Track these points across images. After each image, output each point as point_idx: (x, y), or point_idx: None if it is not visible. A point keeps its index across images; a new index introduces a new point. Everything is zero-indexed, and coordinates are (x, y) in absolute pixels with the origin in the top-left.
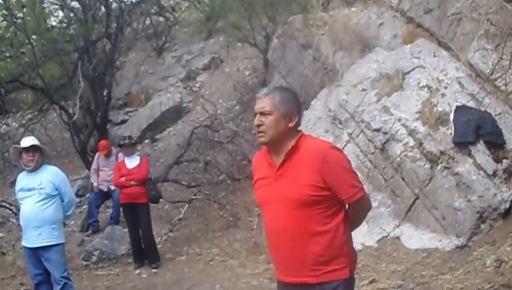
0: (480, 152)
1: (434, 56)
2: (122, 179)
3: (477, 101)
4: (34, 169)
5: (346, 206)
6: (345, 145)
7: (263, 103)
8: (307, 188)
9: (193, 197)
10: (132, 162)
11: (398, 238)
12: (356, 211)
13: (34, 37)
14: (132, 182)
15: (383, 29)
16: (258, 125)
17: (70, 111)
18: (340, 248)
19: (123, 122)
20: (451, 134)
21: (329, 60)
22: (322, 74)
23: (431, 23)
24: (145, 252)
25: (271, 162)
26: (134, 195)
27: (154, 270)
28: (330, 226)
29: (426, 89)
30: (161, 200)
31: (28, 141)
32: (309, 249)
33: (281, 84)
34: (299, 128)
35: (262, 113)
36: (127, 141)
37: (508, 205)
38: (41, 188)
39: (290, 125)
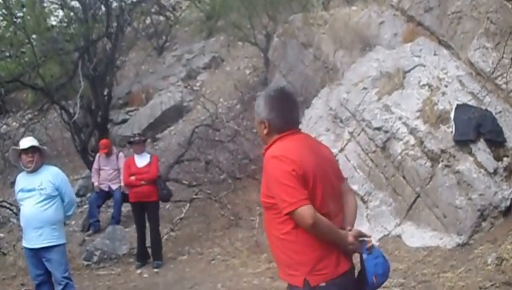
0: (481, 150)
1: (434, 55)
2: (132, 177)
3: (477, 99)
4: (34, 170)
5: None
6: (346, 144)
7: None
8: (261, 194)
9: (194, 196)
10: (142, 161)
11: (399, 236)
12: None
13: (34, 36)
14: (143, 182)
15: (383, 27)
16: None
17: (71, 111)
18: (291, 256)
19: (124, 121)
20: (452, 132)
21: (330, 58)
22: (322, 73)
23: (431, 22)
24: (151, 250)
25: None
26: (144, 194)
27: (155, 270)
28: (282, 233)
29: (427, 87)
30: None
31: (26, 142)
32: (273, 249)
33: (281, 83)
34: (295, 127)
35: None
36: (136, 138)
37: (508, 203)
38: (41, 189)
39: (265, 132)
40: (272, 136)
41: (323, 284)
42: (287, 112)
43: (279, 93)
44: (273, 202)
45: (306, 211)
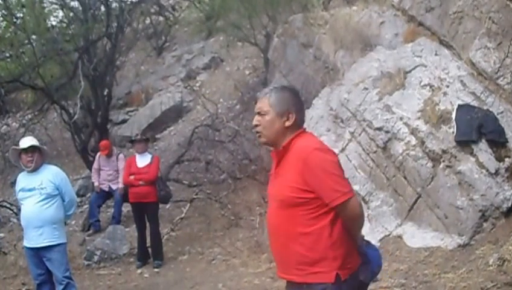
0: (483, 151)
1: (436, 55)
2: (131, 177)
3: (479, 99)
4: (34, 169)
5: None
6: (347, 144)
7: (261, 103)
8: (290, 190)
9: (194, 196)
10: (143, 161)
11: (400, 237)
12: (343, 217)
13: (34, 36)
14: (141, 182)
15: (384, 27)
16: (256, 125)
17: (71, 111)
18: (325, 251)
19: (123, 121)
20: (453, 133)
21: (330, 58)
22: (323, 73)
23: (432, 22)
24: (151, 250)
25: (275, 160)
26: (143, 194)
27: (156, 269)
28: (314, 229)
29: (428, 87)
30: None
31: (26, 142)
32: (293, 249)
33: (281, 83)
34: (304, 126)
35: (259, 113)
36: (138, 137)
37: (510, 204)
38: (42, 188)
39: (287, 124)
40: (293, 130)
41: (349, 277)
42: (304, 109)
43: (295, 90)
44: (309, 196)
45: (356, 201)
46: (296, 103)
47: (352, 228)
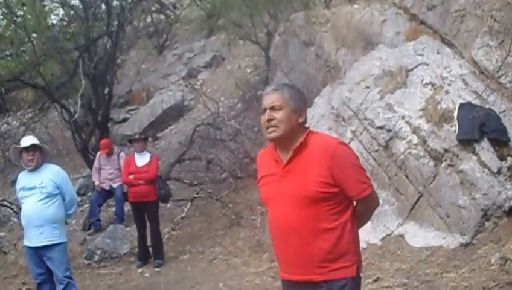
0: (485, 150)
1: (437, 53)
2: (131, 176)
3: (481, 98)
4: (35, 168)
5: (354, 203)
6: (349, 143)
7: (273, 98)
8: (316, 185)
9: (195, 195)
10: (142, 160)
11: (402, 236)
12: (364, 208)
13: (34, 35)
14: (141, 181)
15: (385, 26)
16: (269, 120)
17: (71, 109)
18: (348, 246)
19: (124, 120)
20: (455, 131)
21: (331, 57)
22: (324, 72)
23: (434, 20)
24: (152, 249)
25: (277, 159)
26: (142, 193)
27: (157, 269)
28: (338, 223)
29: (430, 86)
30: None
31: (27, 141)
32: (317, 246)
33: (283, 82)
34: (306, 125)
35: (272, 108)
36: (137, 136)
37: None
38: (42, 187)
39: (300, 120)
40: (303, 127)
41: (361, 270)
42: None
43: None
44: (333, 191)
45: (376, 192)
46: (305, 101)
47: (366, 219)
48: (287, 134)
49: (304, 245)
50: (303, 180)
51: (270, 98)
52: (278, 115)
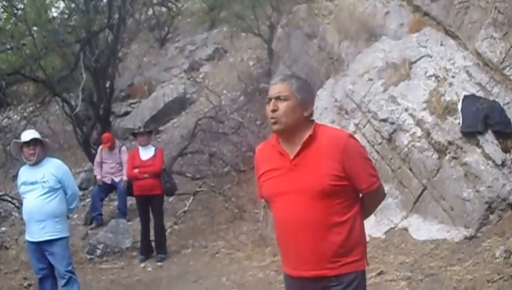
0: (489, 142)
1: (441, 45)
2: (136, 170)
3: (485, 90)
4: (36, 162)
5: (360, 195)
6: None
7: (279, 88)
8: (328, 178)
9: (198, 189)
10: (147, 153)
11: (406, 229)
12: (371, 201)
13: (35, 28)
14: (146, 175)
15: (389, 18)
16: (274, 111)
17: (73, 103)
18: (359, 238)
19: (126, 114)
20: (459, 124)
21: (334, 49)
22: (327, 64)
23: (438, 12)
24: (154, 244)
25: (283, 152)
26: (148, 187)
27: (159, 263)
28: (349, 216)
29: (433, 78)
30: None
31: (28, 135)
32: (330, 240)
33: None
34: (312, 118)
35: (278, 98)
36: (141, 129)
37: None
38: (44, 182)
39: (305, 114)
40: (309, 120)
41: None
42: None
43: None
44: (345, 183)
45: (382, 185)
46: (313, 94)
47: (371, 212)
48: (291, 127)
49: (317, 240)
50: (314, 173)
51: (277, 87)
52: (283, 106)
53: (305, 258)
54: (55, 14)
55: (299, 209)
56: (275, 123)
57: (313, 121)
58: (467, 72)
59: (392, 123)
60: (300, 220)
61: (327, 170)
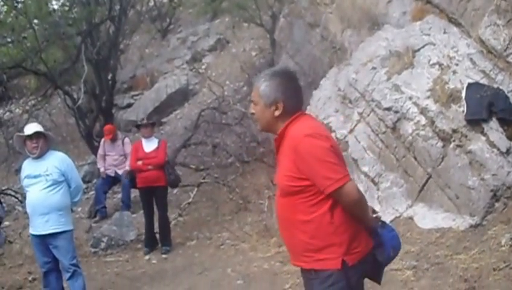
0: (493, 129)
1: (444, 33)
2: (139, 162)
3: (489, 77)
4: (40, 156)
5: None
6: (356, 125)
7: (253, 91)
8: (285, 178)
9: (202, 180)
10: (150, 145)
11: (411, 218)
12: (341, 203)
13: (35, 21)
14: (149, 167)
15: (391, 6)
16: (252, 114)
17: (75, 96)
18: (329, 238)
19: (129, 106)
20: (463, 111)
21: (337, 38)
22: (330, 53)
23: None
24: (159, 236)
25: (275, 146)
26: (151, 179)
27: (164, 255)
28: (314, 216)
29: (437, 66)
30: None
31: (31, 128)
32: (297, 236)
33: (288, 64)
34: (302, 109)
35: (252, 102)
36: (144, 121)
37: None
38: (47, 175)
39: (276, 114)
40: (285, 118)
41: (357, 262)
42: (298, 93)
43: (288, 74)
44: (304, 184)
45: (352, 186)
46: (286, 90)
47: (353, 213)
48: (266, 128)
49: (288, 235)
50: (279, 172)
51: (253, 91)
52: (256, 109)
53: (288, 249)
54: (55, 7)
55: (277, 204)
56: (256, 124)
57: (293, 115)
58: (471, 59)
59: (396, 112)
60: (278, 215)
61: (284, 170)
